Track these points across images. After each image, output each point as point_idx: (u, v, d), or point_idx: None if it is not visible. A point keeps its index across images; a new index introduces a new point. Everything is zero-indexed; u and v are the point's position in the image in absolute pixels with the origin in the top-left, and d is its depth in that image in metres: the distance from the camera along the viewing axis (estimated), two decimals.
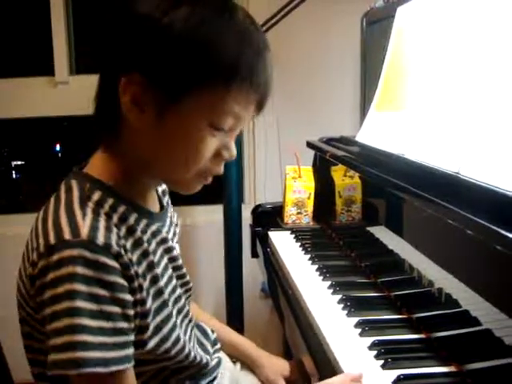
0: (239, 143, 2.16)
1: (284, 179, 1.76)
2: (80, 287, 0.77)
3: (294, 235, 1.65)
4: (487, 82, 1.00)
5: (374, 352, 0.97)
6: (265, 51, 0.86)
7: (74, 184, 0.87)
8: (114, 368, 0.79)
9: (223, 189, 2.10)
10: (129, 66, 0.82)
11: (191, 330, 1.02)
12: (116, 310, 0.80)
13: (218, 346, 1.14)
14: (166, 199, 1.07)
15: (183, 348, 0.95)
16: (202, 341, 1.09)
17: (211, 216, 2.44)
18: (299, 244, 1.57)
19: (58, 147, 3.03)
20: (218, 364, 1.10)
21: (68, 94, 2.46)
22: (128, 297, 0.82)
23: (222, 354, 1.16)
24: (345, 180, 1.62)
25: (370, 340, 1.01)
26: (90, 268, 0.78)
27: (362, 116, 1.75)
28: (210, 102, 0.82)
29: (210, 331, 1.14)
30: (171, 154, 0.86)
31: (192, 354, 0.98)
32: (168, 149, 0.86)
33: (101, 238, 0.80)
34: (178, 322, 0.96)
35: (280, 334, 2.15)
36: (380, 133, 1.41)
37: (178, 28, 0.80)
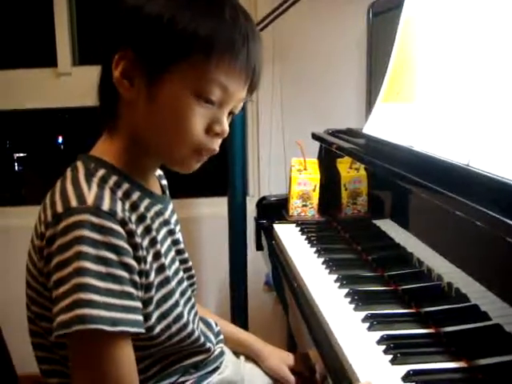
0: (243, 135, 2.14)
1: (289, 171, 1.75)
2: (88, 249, 0.80)
3: (299, 228, 1.64)
4: (498, 72, 0.99)
5: (383, 347, 0.96)
6: (248, 31, 0.90)
7: (80, 164, 0.92)
8: (121, 328, 0.81)
9: (227, 181, 2.09)
10: (120, 45, 0.88)
11: (195, 315, 1.03)
12: (124, 274, 0.83)
13: (221, 337, 1.15)
14: (167, 193, 1.09)
15: (185, 326, 0.96)
16: (206, 332, 1.09)
17: (215, 208, 2.43)
18: (305, 237, 1.56)
19: (60, 139, 3.02)
20: (221, 354, 1.11)
21: (71, 85, 2.45)
22: (134, 263, 0.85)
23: (225, 348, 1.16)
24: (350, 172, 1.61)
25: (378, 334, 0.99)
26: (97, 232, 0.81)
27: (369, 108, 1.74)
28: (192, 73, 0.87)
29: (213, 323, 1.14)
30: (163, 127, 0.90)
31: (196, 333, 1.00)
32: (160, 122, 0.90)
33: (106, 205, 0.83)
34: (182, 301, 0.97)
35: (284, 326, 2.15)
36: (387, 125, 1.39)
37: (156, 13, 0.87)
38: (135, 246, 0.86)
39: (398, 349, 0.95)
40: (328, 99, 2.37)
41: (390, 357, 0.93)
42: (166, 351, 0.96)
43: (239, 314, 2.17)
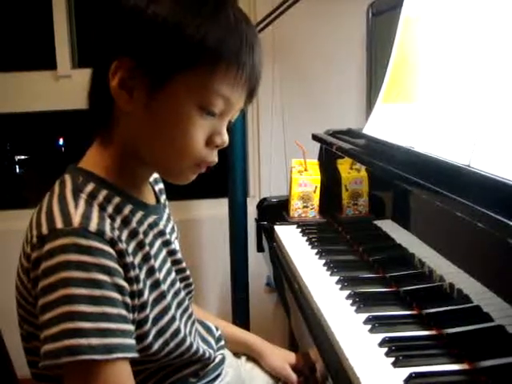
0: (244, 136, 2.14)
1: (290, 172, 1.74)
2: (74, 273, 0.76)
3: (300, 229, 1.63)
4: (498, 72, 0.98)
5: (385, 349, 0.95)
6: (252, 40, 0.87)
7: (68, 178, 0.88)
8: (117, 355, 0.77)
9: (228, 182, 2.09)
10: (119, 52, 0.84)
11: (192, 325, 1.01)
12: (117, 296, 0.80)
13: (223, 342, 1.14)
14: (163, 197, 1.07)
15: (183, 340, 0.94)
16: (206, 337, 1.08)
17: (216, 210, 2.43)
18: (306, 238, 1.56)
19: (61, 141, 3.02)
20: (223, 361, 1.10)
21: (70, 87, 2.45)
22: (126, 284, 0.82)
23: (226, 352, 1.15)
24: (351, 173, 1.60)
25: (380, 337, 0.99)
26: (86, 254, 0.77)
27: (369, 108, 1.73)
28: (197, 84, 0.84)
29: (214, 328, 1.13)
30: (163, 140, 0.87)
31: (194, 346, 0.97)
32: (160, 135, 0.86)
33: (94, 225, 0.79)
34: (178, 314, 0.95)
35: (285, 327, 2.15)
36: (387, 125, 1.39)
37: (162, 17, 0.82)
38: (126, 266, 0.83)
39: (399, 351, 0.94)
40: (328, 100, 2.37)
41: (392, 359, 0.92)
42: (164, 364, 0.95)
43: (240, 315, 2.17)
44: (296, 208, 1.72)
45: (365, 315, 1.07)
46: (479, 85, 1.03)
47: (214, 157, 0.91)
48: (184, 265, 1.01)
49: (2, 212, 2.56)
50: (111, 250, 0.80)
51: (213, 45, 0.83)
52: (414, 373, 0.87)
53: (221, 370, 1.08)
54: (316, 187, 1.70)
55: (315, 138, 1.80)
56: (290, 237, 1.60)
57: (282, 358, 1.23)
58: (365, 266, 1.35)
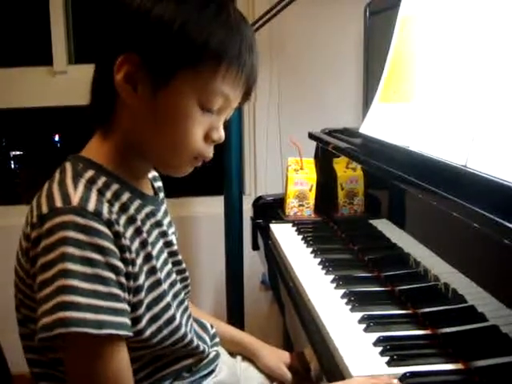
0: (240, 134, 2.14)
1: (286, 171, 1.74)
2: (72, 250, 0.79)
3: (295, 228, 1.63)
4: (496, 72, 0.99)
5: (380, 348, 0.95)
6: (251, 41, 0.91)
7: (68, 165, 0.91)
8: (107, 331, 0.79)
9: (223, 180, 2.09)
10: (125, 48, 0.86)
11: (188, 318, 1.02)
12: (110, 275, 0.82)
13: (217, 339, 1.14)
14: (162, 194, 1.09)
15: (177, 329, 0.95)
16: (201, 334, 1.08)
17: (211, 207, 2.42)
18: (301, 237, 1.56)
19: (57, 137, 3.02)
20: (217, 357, 1.10)
21: (66, 83, 2.44)
22: (121, 265, 0.84)
23: (220, 350, 1.15)
24: (347, 172, 1.61)
25: (374, 336, 0.99)
26: (82, 232, 0.80)
27: (365, 107, 1.73)
28: (199, 83, 0.87)
29: (208, 325, 1.13)
30: (163, 134, 0.90)
31: (189, 336, 0.98)
32: (160, 129, 0.90)
33: (92, 206, 0.82)
34: (174, 304, 0.96)
35: (280, 325, 2.15)
36: (384, 124, 1.39)
37: (167, 17, 0.85)
38: (122, 248, 0.85)
39: (394, 350, 0.94)
40: (325, 98, 2.37)
41: (387, 358, 0.92)
42: (158, 353, 0.95)
43: (235, 313, 2.17)
44: (292, 206, 1.72)
45: (360, 314, 1.07)
46: (476, 85, 1.03)
47: (210, 152, 0.94)
48: (180, 257, 1.03)
49: None
50: (107, 231, 0.82)
51: (215, 46, 0.86)
52: (409, 372, 0.88)
53: (215, 366, 1.08)
54: (312, 186, 1.70)
55: (311, 136, 1.80)
56: (285, 235, 1.60)
57: (277, 358, 1.23)
58: (360, 265, 1.35)
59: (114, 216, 0.85)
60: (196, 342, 1.01)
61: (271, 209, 1.79)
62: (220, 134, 0.93)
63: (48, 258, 0.80)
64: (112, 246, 0.83)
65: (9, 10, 2.60)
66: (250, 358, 1.23)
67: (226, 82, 0.88)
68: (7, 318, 1.31)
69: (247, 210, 1.97)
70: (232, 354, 1.21)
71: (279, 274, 1.43)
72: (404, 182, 1.12)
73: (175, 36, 0.85)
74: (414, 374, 0.87)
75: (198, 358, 1.03)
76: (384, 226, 1.34)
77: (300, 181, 1.70)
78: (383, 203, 1.42)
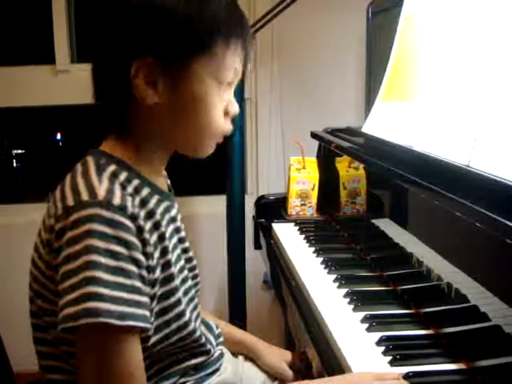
0: (242, 133, 2.14)
1: (288, 170, 1.74)
2: (98, 242, 0.80)
3: (297, 227, 1.64)
4: (499, 72, 0.98)
5: (382, 348, 0.95)
6: (241, 12, 0.96)
7: (90, 159, 0.91)
8: (129, 322, 0.81)
9: (226, 179, 2.09)
10: (136, 53, 0.88)
11: (197, 315, 1.03)
12: (133, 268, 0.83)
13: (221, 339, 1.14)
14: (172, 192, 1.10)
15: (186, 324, 0.96)
16: (206, 334, 1.08)
17: (213, 207, 2.43)
18: (303, 236, 1.56)
19: (58, 136, 3.02)
20: (221, 356, 1.10)
21: (69, 82, 2.45)
22: (143, 258, 0.85)
23: (224, 349, 1.15)
24: (349, 171, 1.61)
25: (377, 335, 0.99)
26: (108, 226, 0.81)
27: (368, 107, 1.73)
28: (214, 63, 0.90)
29: (214, 325, 1.14)
30: (189, 121, 0.93)
31: (197, 332, 0.99)
32: (186, 116, 0.92)
33: (117, 200, 0.84)
34: (185, 301, 0.97)
35: (282, 324, 2.15)
36: (386, 124, 1.39)
37: (168, 8, 0.87)
38: (144, 242, 0.86)
39: (397, 350, 0.94)
40: (327, 98, 2.37)
41: (390, 358, 0.92)
42: (166, 351, 0.96)
43: (237, 312, 2.17)
44: (294, 206, 1.72)
45: (362, 314, 1.07)
46: (479, 84, 1.03)
47: (230, 126, 0.98)
48: (191, 254, 1.05)
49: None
50: (131, 225, 0.84)
51: (221, 27, 0.90)
52: (412, 372, 0.88)
53: (219, 365, 1.09)
54: (314, 185, 1.70)
55: (314, 135, 1.80)
56: (287, 234, 1.60)
57: (279, 357, 1.23)
58: (362, 264, 1.36)
59: (136, 210, 0.86)
60: (204, 339, 1.02)
61: (273, 208, 1.79)
62: (236, 108, 0.97)
63: (73, 249, 0.81)
64: (135, 240, 0.84)
65: (11, 8, 2.60)
66: (251, 357, 1.23)
67: (236, 56, 0.93)
68: (8, 317, 1.31)
69: (249, 209, 1.97)
70: (234, 354, 1.22)
71: (281, 274, 1.43)
72: (406, 181, 1.12)
73: (181, 28, 0.87)
74: (416, 374, 0.87)
75: (205, 356, 1.04)
76: (386, 225, 1.34)
77: (302, 180, 1.70)
78: (385, 203, 1.41)
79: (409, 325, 1.04)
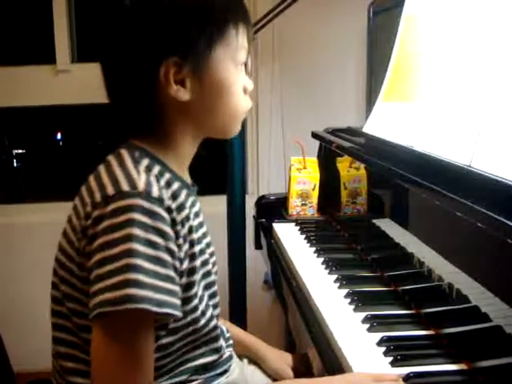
0: (243, 133, 2.14)
1: (289, 170, 1.74)
2: (138, 232, 0.83)
3: (298, 227, 1.63)
4: (501, 72, 0.98)
5: (383, 348, 0.95)
6: None
7: (124, 151, 0.94)
8: (166, 310, 0.84)
9: (226, 179, 2.08)
10: (162, 56, 0.91)
11: (216, 305, 1.04)
12: (168, 258, 0.86)
13: (231, 342, 1.14)
14: None
15: (203, 314, 0.98)
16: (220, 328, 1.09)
17: (214, 207, 2.42)
18: (304, 236, 1.56)
19: (59, 136, 3.02)
20: (230, 357, 1.11)
21: (69, 82, 2.44)
22: (176, 249, 0.89)
23: (233, 352, 1.15)
24: (350, 171, 1.61)
25: (378, 336, 0.99)
26: (147, 216, 0.84)
27: (369, 106, 1.73)
28: (230, 48, 0.95)
29: (224, 329, 1.14)
30: (219, 107, 0.97)
31: (214, 321, 1.01)
32: (215, 104, 0.97)
33: (155, 192, 0.87)
34: (205, 295, 0.99)
35: (282, 324, 2.15)
36: (388, 124, 1.39)
37: (185, 3, 0.92)
38: (176, 234, 0.89)
39: (398, 350, 0.94)
40: (328, 97, 2.37)
41: (391, 359, 0.92)
42: (178, 346, 0.97)
43: (238, 312, 2.16)
44: (295, 206, 1.72)
45: (363, 314, 1.07)
46: (481, 84, 1.03)
47: (250, 102, 1.03)
48: (213, 249, 1.07)
49: (0, 206, 2.55)
50: (167, 216, 0.87)
51: (232, 14, 0.95)
52: (413, 372, 0.88)
53: (228, 366, 1.09)
54: (315, 185, 1.70)
55: (315, 135, 1.80)
56: (288, 234, 1.60)
57: (283, 360, 1.24)
58: (363, 264, 1.35)
59: (170, 202, 0.89)
60: (219, 330, 1.04)
61: (274, 208, 1.79)
62: (251, 84, 1.02)
63: (111, 237, 0.83)
64: (171, 231, 0.87)
65: (12, 8, 2.60)
66: (255, 360, 1.24)
67: (245, 35, 0.97)
68: (8, 317, 1.31)
69: (250, 209, 1.96)
70: (239, 357, 1.22)
71: (282, 274, 1.43)
72: (408, 181, 1.11)
73: (198, 20, 0.91)
74: (417, 375, 0.87)
75: (216, 355, 1.04)
76: (387, 225, 1.34)
77: (303, 180, 1.70)
78: (386, 203, 1.41)
79: (410, 325, 1.04)
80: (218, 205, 2.30)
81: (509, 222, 0.77)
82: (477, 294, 0.92)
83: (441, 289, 1.03)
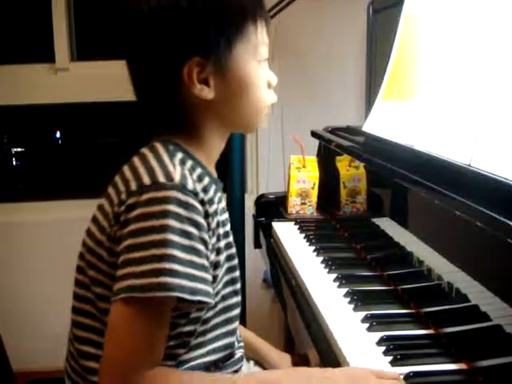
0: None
1: (288, 169, 1.74)
2: (174, 223, 0.85)
3: (297, 226, 1.63)
4: (500, 71, 0.98)
5: (383, 348, 0.95)
6: None
7: (158, 144, 0.96)
8: (200, 297, 0.87)
9: (226, 178, 2.08)
10: (185, 56, 0.93)
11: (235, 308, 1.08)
12: (202, 248, 0.90)
13: (242, 344, 1.15)
14: None
15: (208, 309, 0.99)
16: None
17: None
18: (303, 235, 1.56)
19: (58, 134, 3.02)
20: (242, 358, 1.11)
21: (68, 80, 2.44)
22: (209, 240, 0.92)
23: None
24: (349, 170, 1.61)
25: (378, 335, 0.99)
26: (183, 208, 0.87)
27: (368, 105, 1.73)
28: (250, 45, 0.98)
29: (238, 331, 1.14)
30: (244, 100, 0.99)
31: (236, 309, 1.08)
32: (239, 100, 0.99)
33: (190, 184, 0.89)
34: (228, 290, 1.04)
35: (281, 323, 2.15)
36: (387, 123, 1.38)
37: (205, 11, 0.93)
38: (208, 225, 0.92)
39: (397, 350, 0.94)
40: (328, 96, 2.37)
41: (390, 358, 0.92)
42: (195, 338, 0.98)
43: None
44: (294, 205, 1.72)
45: (363, 313, 1.07)
46: (480, 83, 1.03)
47: (274, 96, 1.05)
48: (235, 250, 1.09)
49: None
50: (201, 208, 0.90)
51: (250, 12, 0.96)
52: (412, 372, 0.88)
53: (239, 367, 1.09)
54: (314, 184, 1.70)
55: (314, 134, 1.80)
56: (287, 233, 1.59)
57: (285, 362, 1.25)
58: (363, 263, 1.35)
59: (203, 195, 0.92)
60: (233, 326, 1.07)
61: (273, 207, 1.79)
62: (275, 79, 1.04)
63: (144, 224, 0.85)
64: (204, 222, 0.90)
65: (11, 6, 2.59)
66: (260, 362, 1.24)
67: (264, 31, 1.00)
68: (8, 316, 1.31)
69: (249, 208, 1.97)
70: (246, 359, 1.22)
71: (281, 273, 1.43)
72: (407, 180, 1.11)
73: (218, 24, 0.93)
74: (417, 374, 0.87)
75: (228, 352, 1.05)
76: (387, 224, 1.34)
77: (302, 179, 1.70)
78: (386, 202, 1.41)
79: (409, 324, 1.04)
80: None
81: (508, 222, 0.78)
82: (476, 293, 0.92)
83: (440, 288, 1.03)
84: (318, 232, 1.58)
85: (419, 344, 0.98)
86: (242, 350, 1.13)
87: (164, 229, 0.85)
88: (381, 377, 0.88)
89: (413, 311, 1.09)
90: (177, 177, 0.89)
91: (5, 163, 2.98)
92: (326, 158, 1.75)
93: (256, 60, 0.99)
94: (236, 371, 1.08)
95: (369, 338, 1.00)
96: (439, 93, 1.17)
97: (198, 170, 0.96)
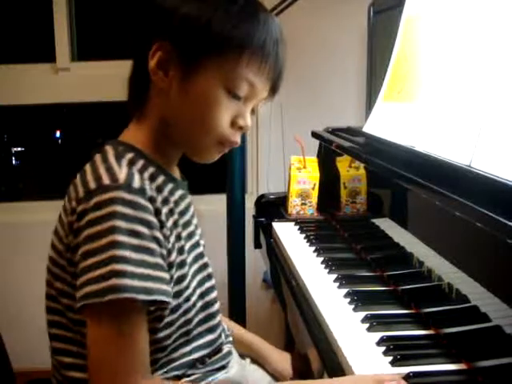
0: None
1: (288, 169, 1.74)
2: (121, 223, 0.84)
3: (298, 226, 1.63)
4: (501, 72, 0.98)
5: (383, 348, 0.95)
6: (277, 36, 0.97)
7: (108, 147, 0.96)
8: (155, 297, 0.85)
9: (226, 178, 2.08)
10: (159, 37, 0.93)
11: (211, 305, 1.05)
12: (155, 247, 0.88)
13: (230, 338, 1.15)
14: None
15: (189, 309, 0.98)
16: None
17: (214, 206, 2.42)
18: (304, 235, 1.56)
19: (58, 134, 3.02)
20: (229, 353, 1.11)
21: (69, 80, 2.44)
22: (162, 238, 0.90)
23: (232, 348, 1.15)
24: (350, 171, 1.61)
25: (377, 335, 0.99)
26: (129, 207, 0.85)
27: (369, 106, 1.73)
28: (225, 69, 0.93)
29: (225, 326, 1.15)
30: (192, 117, 0.96)
31: (215, 305, 1.05)
32: (189, 113, 0.96)
33: (137, 183, 0.88)
34: (197, 292, 1.01)
35: (281, 323, 2.15)
36: (388, 124, 1.39)
37: (194, 13, 0.93)
38: (161, 223, 0.91)
39: (397, 350, 0.94)
40: (328, 97, 2.37)
41: (390, 358, 0.92)
42: (174, 337, 0.97)
43: (237, 310, 2.16)
44: (294, 205, 1.72)
45: (363, 314, 1.07)
46: (481, 84, 1.03)
47: (237, 138, 0.99)
48: (203, 242, 1.10)
49: None
50: (150, 206, 0.89)
51: (239, 36, 0.93)
52: (412, 372, 0.87)
53: (227, 362, 1.09)
54: (315, 184, 1.70)
55: (314, 135, 1.80)
56: (287, 234, 1.59)
57: (285, 361, 1.25)
58: (363, 264, 1.35)
59: (154, 193, 0.91)
60: (213, 322, 1.05)
61: (274, 207, 1.79)
62: (246, 122, 0.98)
63: (94, 229, 0.84)
64: (155, 220, 0.89)
65: (12, 6, 2.60)
66: (258, 361, 1.24)
67: (250, 69, 0.94)
68: (8, 316, 1.31)
69: (250, 209, 1.97)
70: (242, 356, 1.22)
71: (281, 273, 1.43)
72: (407, 181, 1.11)
73: (201, 30, 0.92)
74: (417, 374, 0.87)
75: (213, 348, 1.05)
76: (387, 225, 1.34)
77: (303, 179, 1.70)
78: (386, 202, 1.41)
79: (409, 325, 1.04)
80: (217, 204, 2.31)
81: (509, 222, 0.78)
82: (476, 294, 0.92)
83: (440, 288, 1.03)
84: (318, 232, 1.58)
85: (419, 344, 0.98)
86: (229, 345, 1.12)
87: (111, 230, 0.84)
88: (381, 382, 0.88)
89: (413, 312, 1.09)
90: (122, 177, 0.88)
91: (5, 163, 2.98)
92: (327, 158, 1.75)
93: (226, 89, 0.94)
94: (224, 366, 1.08)
95: (369, 338, 1.00)
96: (439, 94, 1.17)
97: (151, 170, 0.95)
